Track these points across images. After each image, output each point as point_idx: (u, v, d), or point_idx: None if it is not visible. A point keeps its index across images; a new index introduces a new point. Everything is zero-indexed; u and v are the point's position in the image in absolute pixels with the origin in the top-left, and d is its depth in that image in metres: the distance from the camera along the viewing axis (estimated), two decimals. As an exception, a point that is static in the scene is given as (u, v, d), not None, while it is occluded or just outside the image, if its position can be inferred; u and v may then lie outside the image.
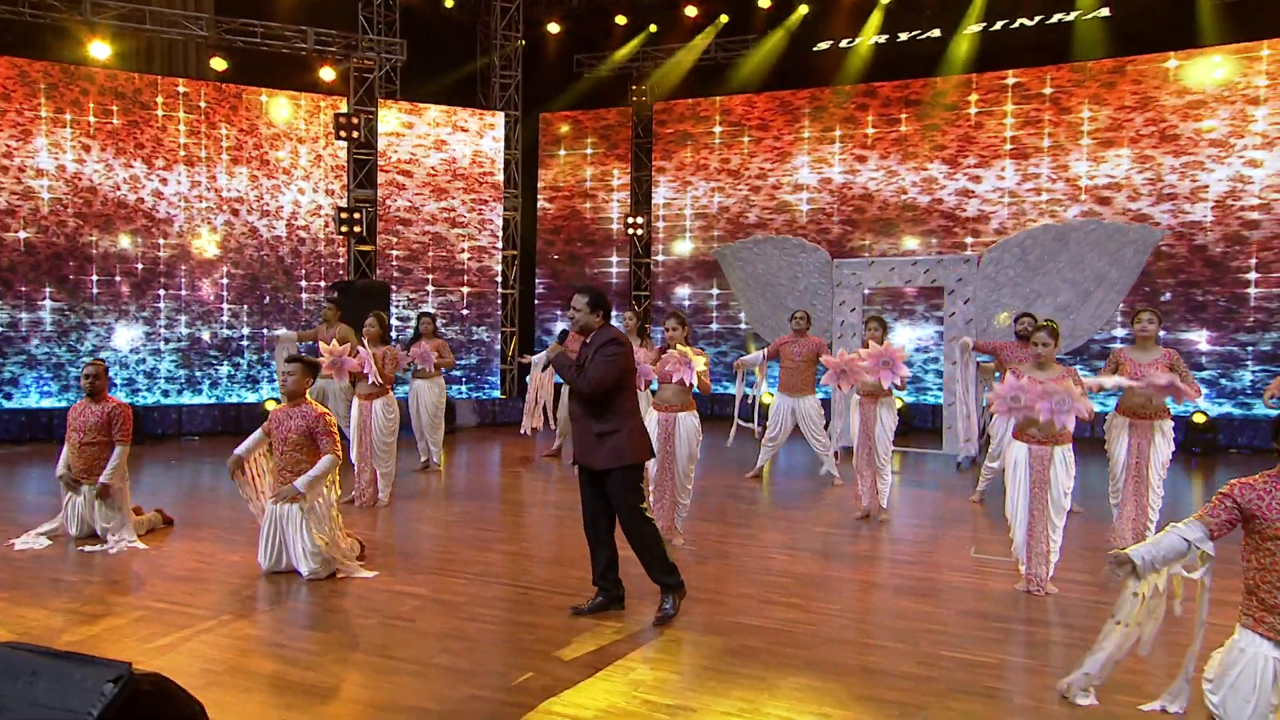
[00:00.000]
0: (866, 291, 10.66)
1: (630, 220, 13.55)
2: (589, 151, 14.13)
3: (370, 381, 6.97)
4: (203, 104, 11.08)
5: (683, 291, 13.65)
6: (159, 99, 10.86)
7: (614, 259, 14.01)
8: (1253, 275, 10.79)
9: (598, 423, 4.41)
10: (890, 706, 3.53)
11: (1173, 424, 5.79)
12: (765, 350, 8.13)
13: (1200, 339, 10.95)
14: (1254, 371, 10.84)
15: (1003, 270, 9.19)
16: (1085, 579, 5.26)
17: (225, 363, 11.20)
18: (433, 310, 11.93)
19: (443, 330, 12.31)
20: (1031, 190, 11.74)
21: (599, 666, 4.01)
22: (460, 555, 5.82)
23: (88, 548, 5.83)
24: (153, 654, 4.14)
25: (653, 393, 6.22)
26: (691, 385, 5.91)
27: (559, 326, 14.17)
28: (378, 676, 3.85)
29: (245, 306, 11.30)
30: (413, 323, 10.65)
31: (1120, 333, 10.94)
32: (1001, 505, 7.35)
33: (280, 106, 11.42)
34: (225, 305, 11.18)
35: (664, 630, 4.37)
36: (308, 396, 5.43)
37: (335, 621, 4.57)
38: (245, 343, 11.32)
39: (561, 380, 5.17)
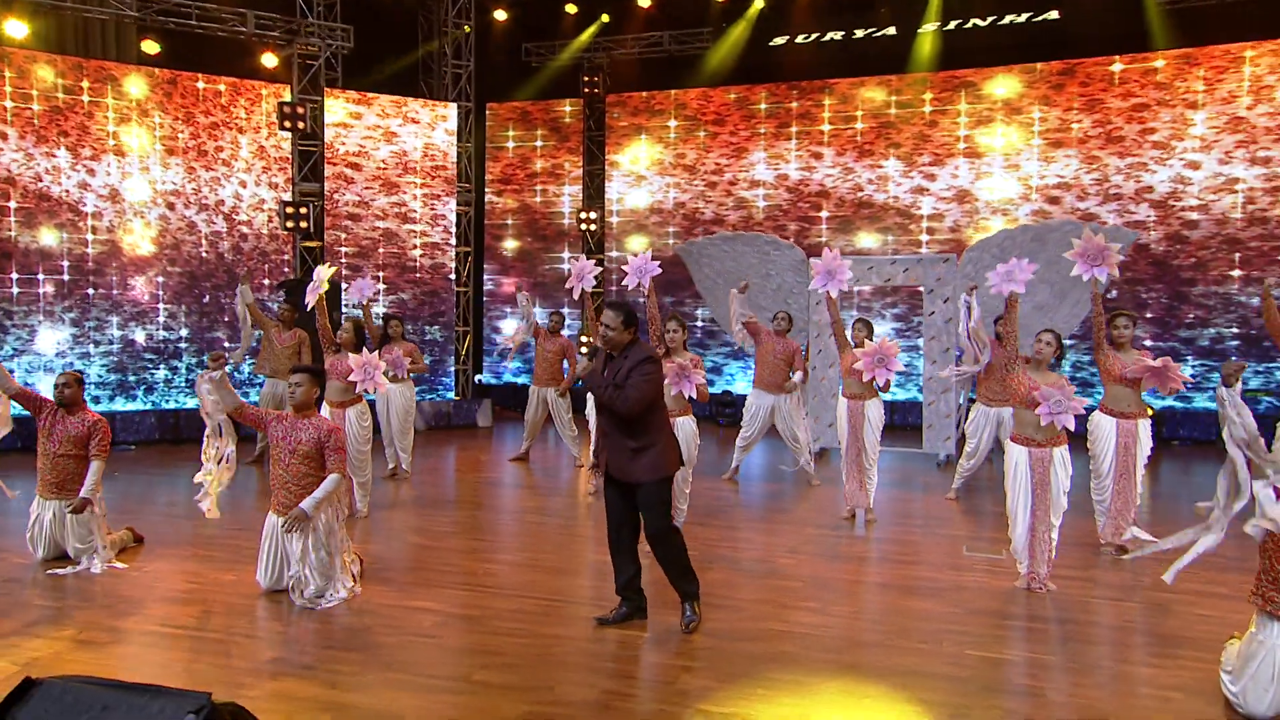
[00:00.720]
0: (865, 290, 10.98)
1: (583, 215, 13.65)
2: (539, 144, 14.16)
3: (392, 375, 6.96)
4: (133, 90, 10.71)
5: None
6: (84, 84, 10.45)
7: (566, 254, 14.09)
8: (1193, 273, 11.59)
9: (633, 439, 4.56)
10: (936, 708, 3.80)
11: (1151, 422, 6.27)
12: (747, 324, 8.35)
13: (1145, 335, 11.69)
14: (1193, 366, 11.63)
15: (981, 270, 9.62)
16: (1076, 574, 5.68)
17: (162, 366, 10.87)
18: (385, 310, 11.81)
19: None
20: (984, 189, 12.31)
21: (641, 677, 4.18)
22: (462, 567, 5.90)
23: (60, 570, 5.69)
24: (181, 680, 4.12)
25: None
26: (691, 395, 6.15)
27: (508, 325, 14.19)
28: (427, 696, 3.94)
29: (183, 307, 10.98)
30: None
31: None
32: (979, 502, 7.85)
33: (219, 93, 11.12)
34: (161, 305, 10.85)
35: (692, 638, 4.57)
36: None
37: (359, 641, 4.61)
38: (184, 345, 11.01)
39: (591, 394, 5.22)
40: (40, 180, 10.23)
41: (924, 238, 12.55)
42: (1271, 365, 11.33)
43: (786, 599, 5.23)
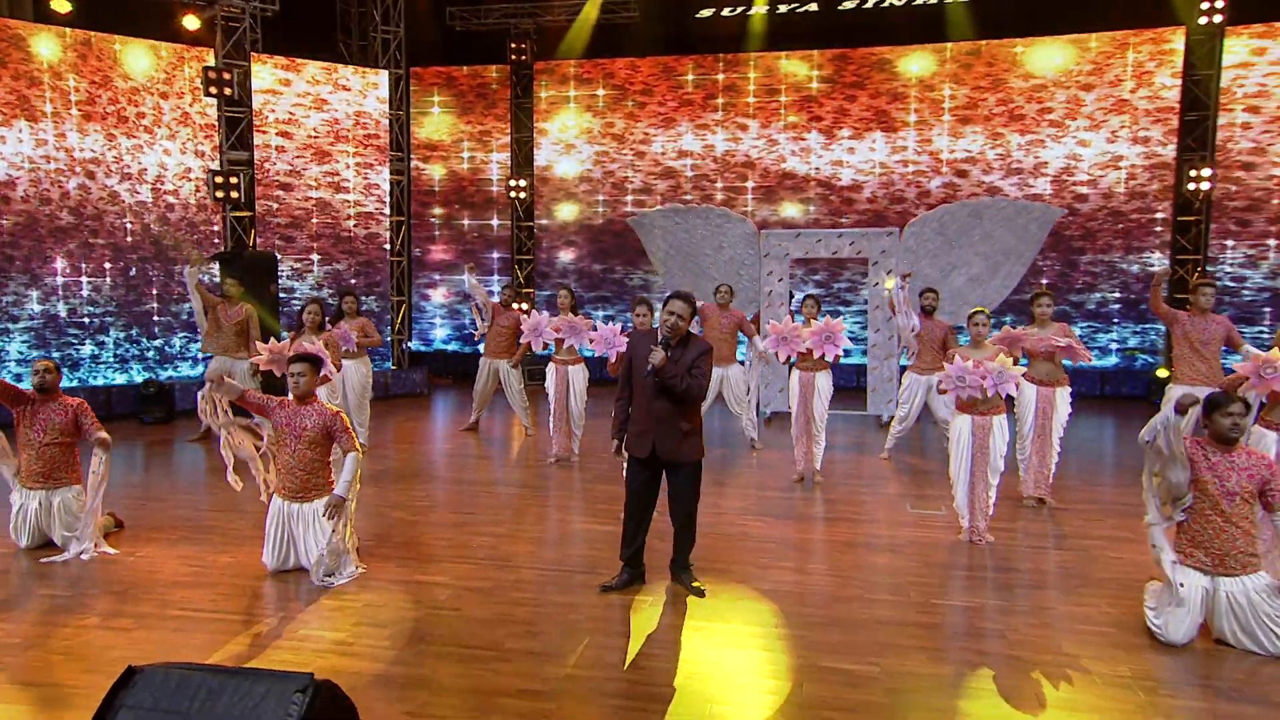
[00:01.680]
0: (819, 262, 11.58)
1: (512, 183, 13.78)
2: (465, 110, 14.14)
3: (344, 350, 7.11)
4: (43, 51, 10.22)
5: (566, 256, 14.10)
6: (-11, 44, 9.93)
7: (495, 222, 14.21)
8: (1083, 243, 12.69)
9: (685, 422, 4.97)
10: (920, 653, 4.41)
11: (1070, 390, 7.08)
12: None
13: (1041, 300, 12.75)
14: (1080, 327, 12.78)
15: (923, 243, 10.34)
16: (1008, 526, 6.46)
17: (89, 342, 10.57)
18: (320, 290, 11.75)
19: (331, 301, 12.18)
20: (899, 162, 13.07)
21: (658, 638, 4.66)
22: (456, 540, 6.22)
23: (49, 558, 5.74)
24: (224, 661, 4.37)
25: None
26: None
27: (436, 293, 14.26)
28: (466, 665, 4.30)
29: (108, 280, 10.67)
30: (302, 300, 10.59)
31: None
32: (912, 461, 8.61)
33: (138, 56, 10.72)
34: (84, 279, 10.52)
35: (695, 600, 5.06)
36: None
37: (384, 616, 4.91)
38: (110, 319, 10.72)
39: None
40: (-55, 147, 9.74)
41: (844, 207, 13.25)
42: (1148, 326, 12.58)
43: (765, 560, 5.78)
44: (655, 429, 4.98)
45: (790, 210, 13.37)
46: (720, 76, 13.46)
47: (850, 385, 12.61)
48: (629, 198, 13.74)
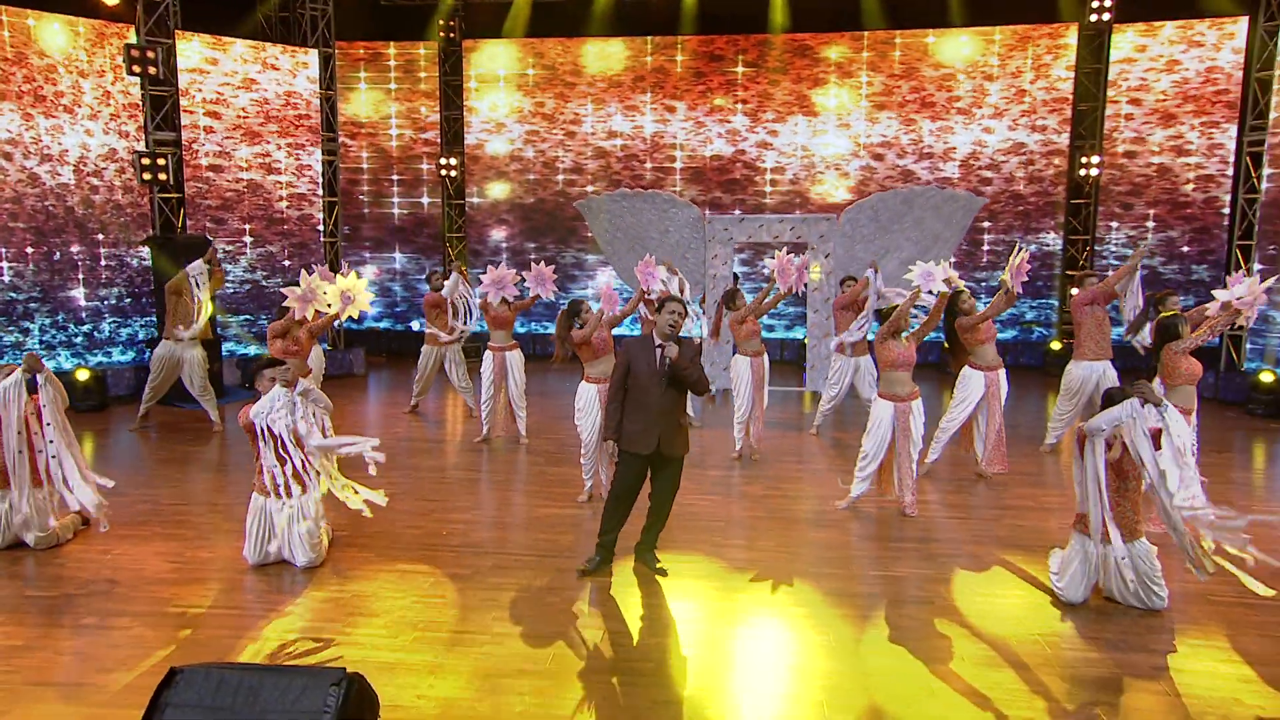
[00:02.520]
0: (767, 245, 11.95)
1: (441, 161, 13.86)
2: (393, 87, 14.10)
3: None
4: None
5: (498, 234, 14.29)
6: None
7: (425, 200, 14.28)
8: (986, 224, 13.59)
9: (682, 417, 5.45)
10: (868, 620, 5.02)
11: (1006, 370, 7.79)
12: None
13: (949, 277, 13.62)
14: (982, 301, 13.69)
15: (858, 229, 10.93)
16: (926, 499, 7.18)
17: (13, 330, 10.34)
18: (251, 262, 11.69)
19: (265, 284, 12.14)
20: (820, 145, 13.69)
21: (638, 617, 5.15)
22: (427, 529, 6.55)
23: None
24: (239, 655, 4.67)
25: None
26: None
27: (367, 270, 14.30)
28: (461, 650, 4.69)
29: (30, 266, 10.42)
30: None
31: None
32: (839, 436, 9.28)
33: (54, 33, 10.37)
34: (4, 264, 10.25)
35: (663, 580, 5.57)
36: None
37: (374, 606, 5.25)
38: (34, 305, 10.48)
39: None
40: None
41: (767, 189, 13.82)
42: (1043, 301, 13.62)
43: (719, 539, 6.32)
44: (661, 424, 5.39)
45: (716, 192, 13.86)
46: (649, 59, 13.77)
47: (791, 359, 13.32)
48: (560, 177, 14.00)
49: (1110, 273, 12.94)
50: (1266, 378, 10.46)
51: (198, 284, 9.01)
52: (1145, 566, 5.11)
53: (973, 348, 7.62)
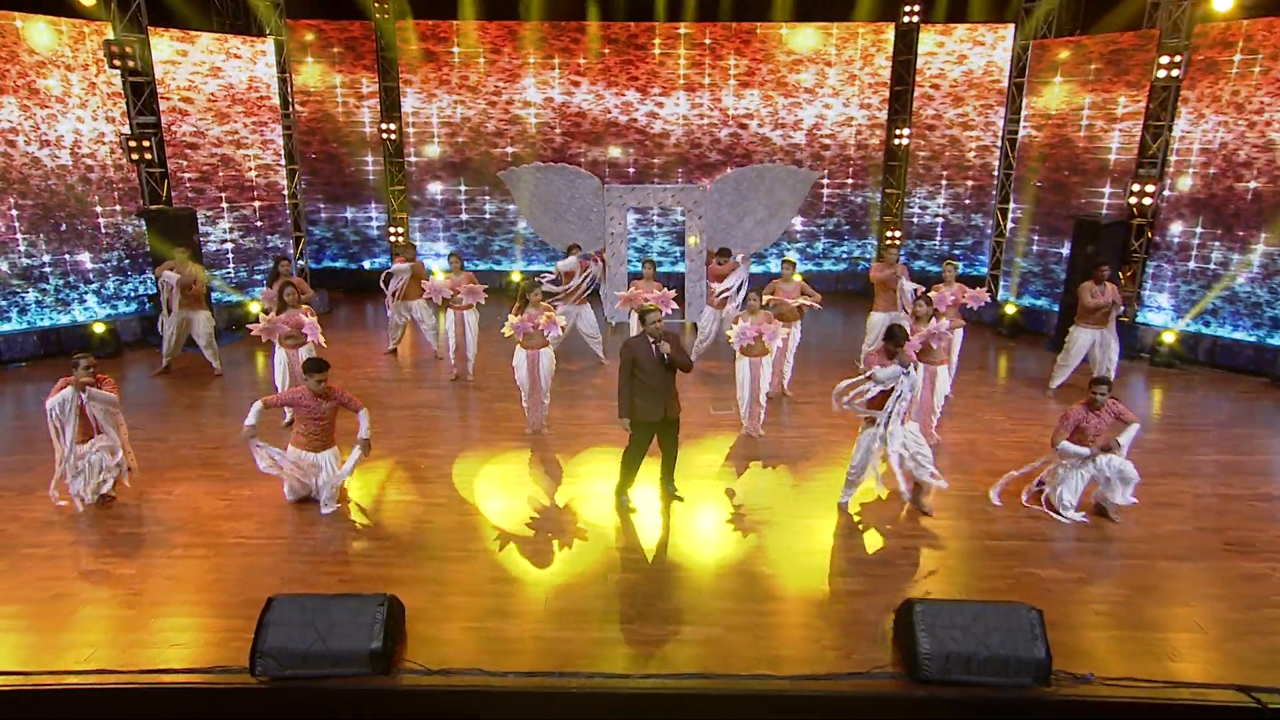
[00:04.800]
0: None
1: (383, 126, 13.99)
2: (337, 61, 13.95)
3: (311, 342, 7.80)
4: (-54, 29, 9.48)
5: (435, 187, 14.65)
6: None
7: (369, 159, 14.43)
8: (825, 181, 14.72)
9: (673, 386, 6.35)
10: (729, 524, 6.43)
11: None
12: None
13: (796, 223, 14.80)
14: (824, 242, 15.04)
15: (724, 196, 11.84)
16: (766, 425, 8.51)
17: (32, 290, 10.49)
18: (229, 226, 11.82)
19: (242, 242, 12.37)
20: (697, 116, 14.40)
21: (643, 547, 6.36)
22: (409, 463, 7.44)
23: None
24: (300, 573, 5.56)
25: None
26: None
27: (321, 219, 14.48)
28: (459, 564, 5.73)
29: (42, 235, 10.47)
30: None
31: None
32: (709, 369, 10.46)
33: (40, 33, 10.09)
34: (20, 235, 10.29)
35: (659, 514, 6.53)
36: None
37: (383, 533, 6.19)
38: (49, 269, 10.60)
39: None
40: None
41: (656, 151, 14.54)
42: (866, 241, 15.01)
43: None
44: (664, 398, 6.27)
45: (614, 152, 14.50)
46: (558, 41, 14.02)
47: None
48: (484, 141, 14.36)
49: (910, 231, 14.41)
50: (1010, 310, 12.23)
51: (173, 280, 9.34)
52: (914, 446, 6.36)
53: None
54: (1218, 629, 5.19)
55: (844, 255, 15.13)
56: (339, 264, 14.84)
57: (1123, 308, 6.82)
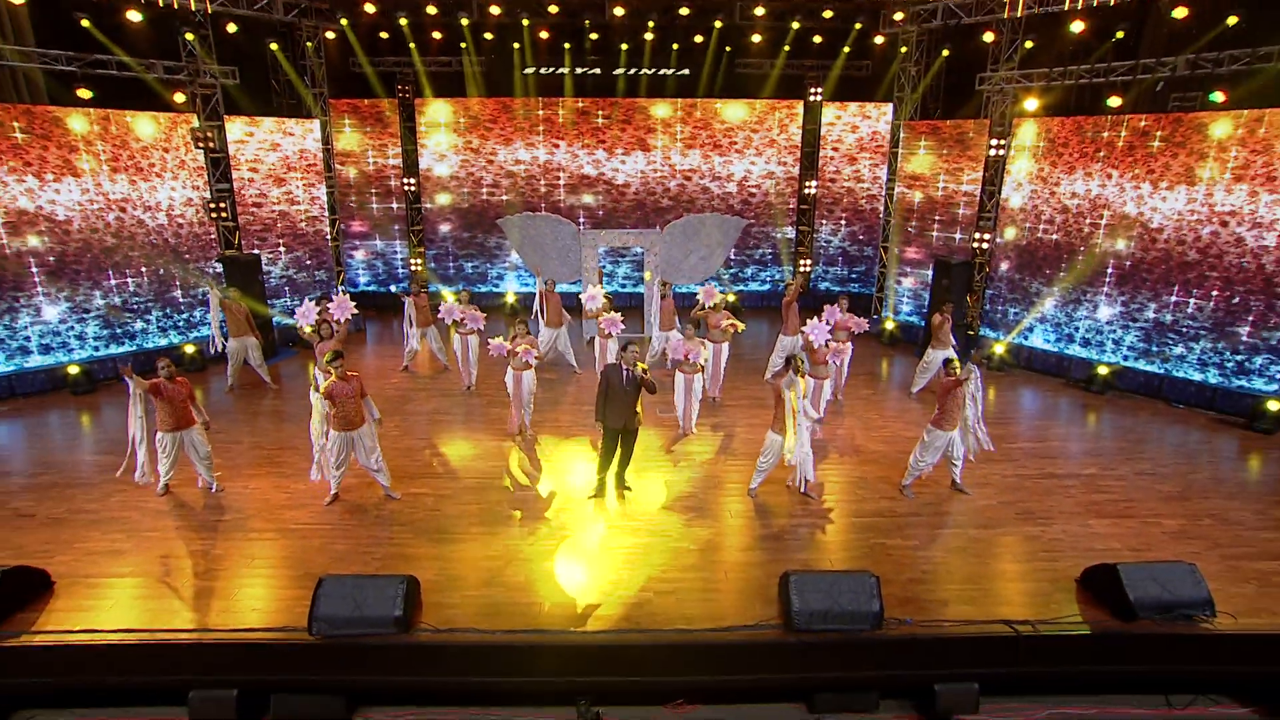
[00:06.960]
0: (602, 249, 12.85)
1: (405, 180, 14.25)
2: (368, 129, 14.18)
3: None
4: (76, 126, 9.82)
5: (445, 228, 14.92)
6: (16, 124, 9.36)
7: (394, 205, 14.70)
8: (751, 220, 15.10)
9: (635, 405, 6.55)
10: (682, 501, 6.90)
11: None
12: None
13: (731, 255, 15.10)
14: (752, 268, 15.45)
15: (675, 238, 11.86)
16: (699, 424, 8.84)
17: (139, 320, 10.88)
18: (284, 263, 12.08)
19: (295, 277, 12.70)
20: (652, 170, 14.73)
21: (634, 517, 6.88)
22: (420, 460, 7.61)
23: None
24: (347, 552, 5.93)
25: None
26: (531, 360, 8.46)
27: (358, 254, 14.77)
28: (467, 544, 6.04)
29: (145, 279, 10.84)
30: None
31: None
32: (661, 378, 10.83)
33: (144, 124, 10.38)
34: (129, 279, 10.65)
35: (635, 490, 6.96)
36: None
37: (402, 519, 6.47)
38: (152, 303, 10.99)
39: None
40: (17, 200, 9.43)
41: (620, 196, 14.88)
42: (788, 267, 15.49)
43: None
44: (625, 413, 6.53)
45: (587, 198, 14.84)
46: (541, 112, 14.28)
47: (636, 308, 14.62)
48: (484, 191, 14.65)
49: (804, 273, 14.76)
50: (889, 325, 12.82)
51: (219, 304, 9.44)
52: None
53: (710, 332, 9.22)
54: (998, 579, 5.76)
55: (767, 279, 15.61)
56: (371, 287, 15.16)
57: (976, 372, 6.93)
